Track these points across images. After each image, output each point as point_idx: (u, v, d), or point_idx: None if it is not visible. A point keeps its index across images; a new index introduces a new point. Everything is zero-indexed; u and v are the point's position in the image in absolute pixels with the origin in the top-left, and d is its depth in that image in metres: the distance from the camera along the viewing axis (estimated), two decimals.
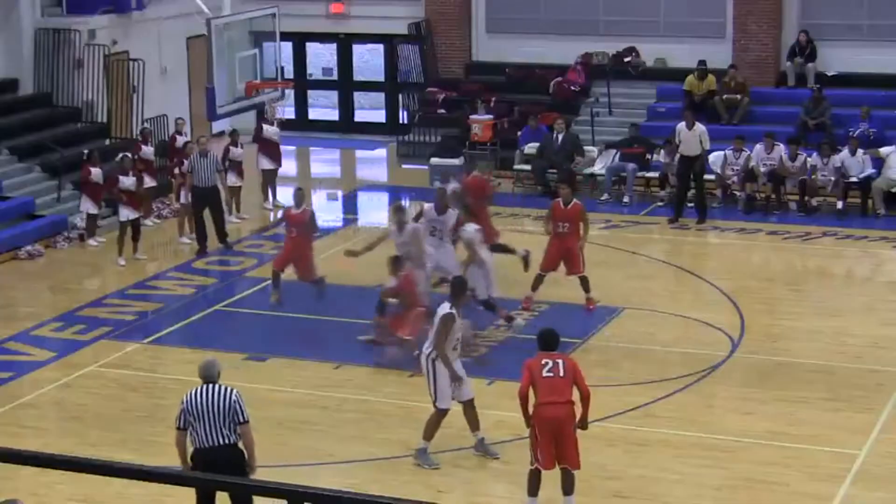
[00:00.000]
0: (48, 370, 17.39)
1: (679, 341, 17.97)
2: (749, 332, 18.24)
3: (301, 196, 19.30)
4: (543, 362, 12.85)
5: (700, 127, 23.85)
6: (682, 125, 24.00)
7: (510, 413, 15.39)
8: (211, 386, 11.92)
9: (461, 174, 21.27)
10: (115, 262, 22.00)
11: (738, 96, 26.98)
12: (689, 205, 23.99)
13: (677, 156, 23.96)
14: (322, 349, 17.80)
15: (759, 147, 24.72)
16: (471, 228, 18.30)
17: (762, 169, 24.54)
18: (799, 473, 14.06)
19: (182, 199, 22.98)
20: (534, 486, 13.02)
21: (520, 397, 12.92)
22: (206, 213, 22.40)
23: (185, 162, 22.70)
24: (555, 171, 25.99)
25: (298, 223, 19.06)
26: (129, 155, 23.10)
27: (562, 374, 12.78)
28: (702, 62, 27.31)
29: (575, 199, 18.88)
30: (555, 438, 12.81)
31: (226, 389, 11.91)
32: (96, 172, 22.81)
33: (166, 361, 17.69)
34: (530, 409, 12.99)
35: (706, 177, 25.25)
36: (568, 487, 12.99)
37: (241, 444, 11.93)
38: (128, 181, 22.11)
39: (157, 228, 24.23)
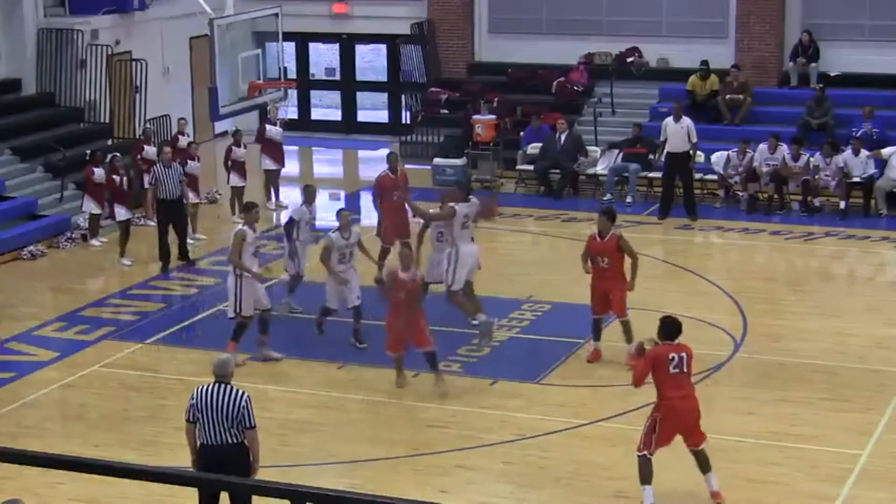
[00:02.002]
0: (51, 370, 17.39)
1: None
2: (751, 332, 18.23)
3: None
4: (671, 357, 13.14)
5: (687, 120, 23.86)
6: (669, 119, 24.02)
7: (513, 413, 15.44)
8: (222, 385, 11.86)
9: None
10: (119, 263, 21.98)
11: (741, 96, 26.95)
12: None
13: (665, 153, 24.00)
14: (325, 349, 17.80)
15: (762, 147, 24.71)
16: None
17: (765, 169, 24.53)
18: (801, 474, 14.05)
19: (191, 199, 22.81)
20: (647, 474, 13.04)
21: (636, 382, 13.38)
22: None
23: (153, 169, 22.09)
24: (557, 171, 26.01)
25: None
26: (119, 155, 23.12)
27: (685, 369, 13.19)
28: (704, 62, 27.29)
29: (613, 230, 16.84)
30: (682, 429, 13.13)
31: (236, 392, 11.86)
32: (99, 173, 22.80)
33: (169, 361, 17.70)
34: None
35: (709, 177, 25.31)
36: (706, 465, 13.26)
37: (246, 442, 11.91)
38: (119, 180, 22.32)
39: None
